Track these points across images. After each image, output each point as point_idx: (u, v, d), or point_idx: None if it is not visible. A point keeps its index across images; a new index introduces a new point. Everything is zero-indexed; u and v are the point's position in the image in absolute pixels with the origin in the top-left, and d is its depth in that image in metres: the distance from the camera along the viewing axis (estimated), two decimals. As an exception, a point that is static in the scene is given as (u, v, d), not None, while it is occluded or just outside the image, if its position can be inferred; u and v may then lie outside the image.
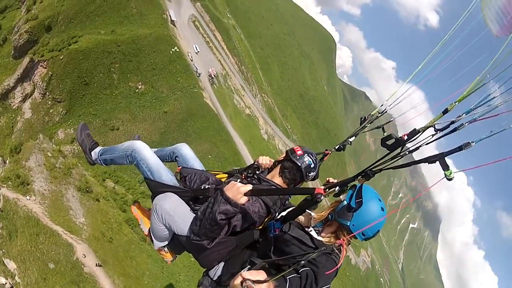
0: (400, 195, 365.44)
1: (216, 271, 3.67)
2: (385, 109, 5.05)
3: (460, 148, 2.27)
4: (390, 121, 5.50)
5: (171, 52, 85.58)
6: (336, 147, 5.22)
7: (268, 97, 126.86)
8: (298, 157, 3.79)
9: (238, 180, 3.68)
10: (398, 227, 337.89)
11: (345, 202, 3.16)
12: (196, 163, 4.61)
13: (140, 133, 67.90)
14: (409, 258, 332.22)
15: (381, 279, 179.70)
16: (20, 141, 59.22)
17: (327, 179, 4.25)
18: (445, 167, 2.28)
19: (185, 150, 4.74)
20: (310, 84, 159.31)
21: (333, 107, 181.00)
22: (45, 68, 76.72)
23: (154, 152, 4.71)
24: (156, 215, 3.82)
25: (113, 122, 77.44)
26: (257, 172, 4.22)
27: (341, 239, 3.08)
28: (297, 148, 3.93)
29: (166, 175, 4.00)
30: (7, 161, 50.98)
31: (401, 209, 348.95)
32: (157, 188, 3.97)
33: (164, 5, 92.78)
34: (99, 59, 79.09)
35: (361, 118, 5.22)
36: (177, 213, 3.71)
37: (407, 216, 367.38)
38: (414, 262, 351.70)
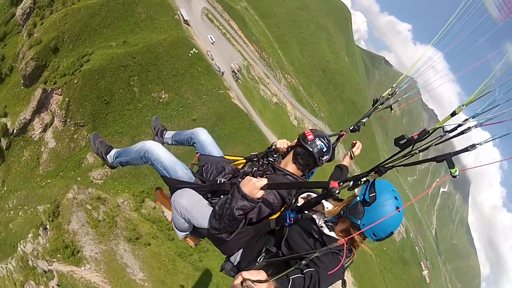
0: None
1: (236, 257, 3.71)
2: (395, 90, 5.15)
3: (466, 149, 2.38)
4: (397, 101, 5.57)
5: (190, 54, 78.76)
6: (351, 128, 5.28)
7: (291, 77, 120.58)
8: (309, 142, 3.80)
9: (254, 169, 4.10)
10: (429, 192, 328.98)
11: (358, 198, 3.04)
12: (214, 149, 4.72)
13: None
14: (441, 223, 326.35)
15: (416, 247, 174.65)
16: (56, 201, 54.44)
17: (353, 142, 5.07)
18: (451, 165, 2.39)
19: (203, 136, 4.84)
20: (330, 58, 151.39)
21: (355, 78, 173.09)
22: (60, 95, 70.60)
23: (172, 136, 5.40)
24: (175, 211, 3.85)
25: (142, 137, 69.83)
26: (275, 155, 4.28)
27: (343, 239, 2.94)
28: (308, 132, 3.90)
29: (181, 171, 4.05)
30: (48, 228, 47.25)
31: (431, 173, 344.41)
32: (174, 184, 4.02)
33: (174, 5, 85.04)
34: (115, 75, 72.75)
35: (373, 100, 5.24)
36: (194, 208, 3.74)
37: (437, 180, 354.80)
38: (447, 226, 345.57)
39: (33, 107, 69.26)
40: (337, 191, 2.78)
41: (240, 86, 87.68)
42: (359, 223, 2.99)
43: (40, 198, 62.84)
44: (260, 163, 4.29)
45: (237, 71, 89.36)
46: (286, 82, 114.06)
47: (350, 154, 5.22)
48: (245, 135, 76.41)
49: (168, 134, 5.59)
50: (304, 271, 2.78)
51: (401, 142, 2.79)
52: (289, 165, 3.93)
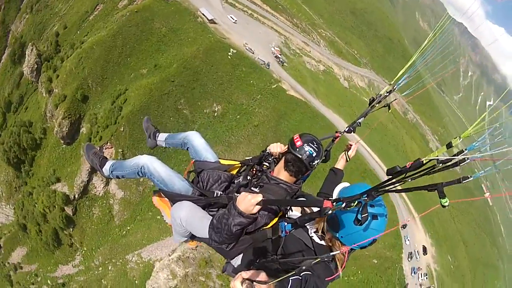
0: (470, 73, 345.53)
1: (237, 260, 3.74)
2: (393, 88, 4.86)
3: (458, 181, 2.34)
4: (395, 99, 5.00)
5: (229, 57, 68.87)
6: (346, 129, 4.95)
7: (324, 30, 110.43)
8: (298, 149, 3.74)
9: (249, 178, 4.07)
10: (477, 107, 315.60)
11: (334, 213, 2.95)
12: (208, 154, 4.61)
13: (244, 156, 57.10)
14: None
15: (475, 169, 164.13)
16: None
17: (348, 144, 4.80)
18: (442, 196, 2.38)
19: (196, 141, 4.74)
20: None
21: (383, 10, 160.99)
22: (111, 147, 64.28)
23: (166, 138, 5.16)
24: (175, 223, 3.84)
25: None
26: (269, 159, 4.21)
27: (345, 248, 3.04)
28: (296, 138, 3.81)
29: (178, 183, 4.06)
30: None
31: (474, 87, 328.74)
32: (172, 198, 4.03)
33: (191, 6, 74.01)
34: (160, 106, 64.44)
35: (369, 99, 4.85)
36: (194, 221, 3.74)
37: (482, 93, 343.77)
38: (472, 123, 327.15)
39: (87, 170, 65.04)
40: (330, 211, 2.70)
41: (287, 70, 77.69)
42: (337, 235, 3.10)
43: (126, 247, 61.83)
44: (254, 171, 4.22)
45: (280, 54, 78.71)
46: (323, 40, 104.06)
47: (346, 157, 4.77)
48: (310, 124, 68.44)
49: (161, 137, 5.27)
50: (302, 274, 2.80)
51: (394, 173, 2.59)
52: (281, 173, 3.86)
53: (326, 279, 2.93)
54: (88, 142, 5.40)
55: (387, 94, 4.94)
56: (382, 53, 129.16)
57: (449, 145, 2.62)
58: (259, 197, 3.07)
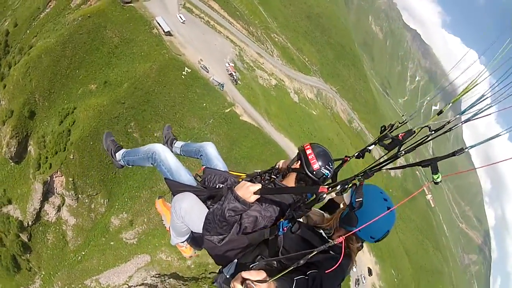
0: (417, 78, 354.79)
1: (230, 269, 3.62)
2: (405, 120, 4.30)
3: (453, 154, 2.31)
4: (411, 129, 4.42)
5: (183, 77, 66.51)
6: (356, 155, 4.37)
7: (278, 35, 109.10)
8: (315, 172, 3.66)
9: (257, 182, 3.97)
10: (422, 111, 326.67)
11: (347, 209, 3.06)
12: (219, 164, 4.71)
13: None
14: (438, 142, 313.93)
15: (417, 172, 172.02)
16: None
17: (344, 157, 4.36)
18: (435, 171, 2.34)
19: (210, 150, 4.87)
20: (312, 0, 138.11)
21: (338, 16, 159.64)
22: (61, 176, 61.62)
23: (181, 146, 5.38)
24: (174, 213, 3.80)
25: (160, 185, 61.76)
26: (277, 174, 4.20)
27: (342, 237, 2.76)
28: (312, 159, 3.69)
29: (185, 175, 4.12)
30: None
31: (421, 92, 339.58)
32: (176, 187, 4.00)
33: (147, 14, 69.89)
34: (110, 128, 59.38)
35: (381, 128, 4.27)
36: (193, 211, 3.70)
37: (428, 98, 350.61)
38: (443, 144, 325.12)
39: (39, 199, 63.06)
40: (325, 196, 2.73)
41: (241, 89, 76.40)
42: (354, 230, 2.99)
43: (83, 272, 60.71)
44: (262, 178, 4.19)
45: (234, 72, 77.35)
46: (276, 50, 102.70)
47: None
48: (261, 151, 68.38)
49: (178, 144, 5.49)
50: (308, 273, 2.70)
51: (386, 143, 2.67)
52: (290, 185, 3.78)
53: (326, 271, 2.80)
54: (108, 131, 5.53)
55: (400, 125, 4.80)
56: (332, 60, 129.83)
57: (440, 112, 2.70)
58: (258, 186, 3.16)
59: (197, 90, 67.35)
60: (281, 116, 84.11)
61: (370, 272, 78.61)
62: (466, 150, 2.34)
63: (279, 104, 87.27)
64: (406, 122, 4.66)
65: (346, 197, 3.03)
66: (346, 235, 2.83)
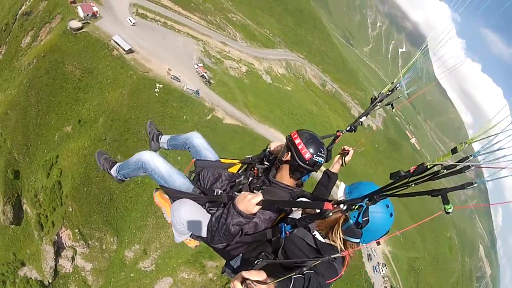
0: (378, 24, 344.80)
1: (236, 261, 3.69)
2: (395, 86, 4.91)
3: (462, 187, 2.26)
4: (398, 97, 5.20)
5: (156, 94, 64.31)
6: (347, 129, 4.95)
7: (235, 14, 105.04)
8: (307, 162, 3.60)
9: (250, 179, 3.98)
10: (389, 56, 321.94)
11: (351, 222, 3.03)
12: (209, 153, 4.61)
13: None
14: (410, 83, 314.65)
15: (396, 118, 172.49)
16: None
17: (344, 148, 4.54)
18: (446, 202, 2.32)
19: (197, 141, 4.73)
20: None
21: None
22: (66, 229, 61.54)
23: (168, 140, 5.17)
24: (175, 221, 3.77)
25: (160, 211, 62.27)
26: (270, 157, 4.21)
27: (346, 252, 2.98)
28: (302, 149, 3.60)
29: (179, 179, 4.02)
30: None
31: (384, 37, 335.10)
32: (172, 194, 3.96)
33: (103, 35, 66.43)
34: (99, 171, 57.08)
35: (371, 98, 5.00)
36: (194, 218, 3.70)
37: (393, 42, 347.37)
38: (416, 83, 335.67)
39: (53, 257, 63.11)
40: (330, 213, 2.67)
41: (215, 88, 74.59)
42: (359, 241, 3.06)
43: None
44: (256, 171, 4.13)
45: (204, 73, 74.77)
46: (238, 33, 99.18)
47: (342, 161, 4.58)
48: (251, 149, 65.51)
49: (164, 139, 5.30)
50: (305, 273, 2.73)
51: (397, 177, 2.53)
52: (285, 179, 3.78)
53: (327, 281, 2.88)
54: (99, 150, 5.46)
55: (389, 93, 5.09)
56: (293, 26, 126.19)
57: (454, 151, 2.61)
58: (259, 197, 3.12)
59: (174, 104, 65.59)
60: (260, 104, 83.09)
61: (378, 243, 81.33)
62: (476, 184, 2.27)
63: (254, 91, 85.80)
64: (396, 89, 5.05)
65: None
66: (352, 250, 3.05)
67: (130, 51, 67.15)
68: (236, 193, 3.68)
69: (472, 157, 2.29)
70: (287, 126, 79.68)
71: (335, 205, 2.72)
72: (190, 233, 3.98)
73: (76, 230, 61.18)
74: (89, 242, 62.59)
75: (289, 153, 3.70)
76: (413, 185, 2.40)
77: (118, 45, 66.52)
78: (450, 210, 2.29)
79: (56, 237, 61.48)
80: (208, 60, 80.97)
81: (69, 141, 61.90)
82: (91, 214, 61.13)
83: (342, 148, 4.64)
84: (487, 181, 2.31)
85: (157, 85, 65.27)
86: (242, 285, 2.19)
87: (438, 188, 2.34)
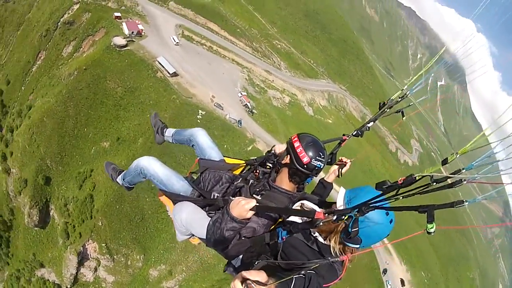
0: (419, 55, 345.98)
1: (237, 261, 3.69)
2: (405, 94, 4.66)
3: (451, 205, 2.18)
4: (410, 105, 5.06)
5: (198, 121, 61.50)
6: (354, 133, 4.77)
7: (279, 41, 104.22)
8: (305, 166, 3.48)
9: (250, 182, 3.88)
10: (428, 88, 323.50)
11: (351, 230, 2.86)
12: (213, 152, 4.48)
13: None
14: (447, 117, 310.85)
15: (432, 153, 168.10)
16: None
17: (342, 159, 4.33)
18: (431, 220, 2.25)
19: (202, 139, 4.58)
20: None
21: (333, 6, 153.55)
22: (93, 243, 60.61)
23: (173, 134, 4.99)
24: (176, 223, 3.78)
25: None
26: (274, 159, 4.08)
27: (346, 256, 2.89)
28: (301, 152, 3.46)
29: (177, 183, 3.98)
30: None
31: (424, 70, 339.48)
32: (172, 198, 3.96)
33: (148, 55, 64.69)
34: (134, 189, 55.82)
35: (379, 104, 4.78)
36: (194, 221, 3.66)
37: (432, 75, 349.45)
38: (453, 119, 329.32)
39: (75, 266, 62.55)
40: (321, 223, 2.74)
41: (258, 119, 71.89)
42: (358, 247, 3.00)
43: None
44: (257, 174, 4.08)
45: (248, 102, 72.23)
46: (283, 62, 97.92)
47: (338, 173, 4.38)
48: None
49: (169, 132, 5.11)
50: (305, 273, 2.74)
51: (384, 187, 2.59)
52: (284, 183, 3.65)
53: (326, 284, 2.79)
54: (106, 161, 5.17)
55: (399, 99, 4.76)
56: (337, 57, 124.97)
57: (444, 162, 2.37)
58: (253, 203, 3.03)
59: (215, 132, 62.53)
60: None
61: (402, 283, 77.54)
62: (467, 203, 2.16)
63: (296, 123, 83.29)
64: (406, 96, 4.72)
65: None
66: (351, 255, 2.92)
67: (175, 74, 65.44)
68: (231, 198, 3.60)
69: (464, 170, 2.17)
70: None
71: (326, 215, 2.74)
72: (191, 235, 3.92)
73: (103, 244, 60.38)
74: (115, 256, 61.50)
75: (288, 156, 3.56)
76: (401, 197, 2.31)
77: (163, 67, 65.01)
78: (432, 230, 2.21)
79: (81, 248, 60.98)
80: (251, 89, 79.15)
81: (106, 156, 60.19)
82: (120, 231, 60.10)
83: (340, 159, 4.36)
84: (480, 200, 2.18)
85: (200, 111, 63.05)
86: (242, 285, 2.18)
87: (426, 204, 2.24)
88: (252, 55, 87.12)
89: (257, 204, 3.12)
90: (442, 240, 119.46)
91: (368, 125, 4.84)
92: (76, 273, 62.78)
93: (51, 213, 64.12)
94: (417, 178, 2.20)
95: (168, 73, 64.36)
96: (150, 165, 4.03)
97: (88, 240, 60.45)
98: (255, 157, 4.34)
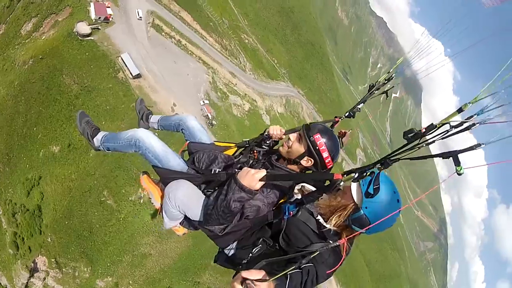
0: (379, 65, 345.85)
1: (231, 250, 3.57)
2: (391, 75, 4.89)
3: (471, 148, 2.34)
4: (393, 87, 5.23)
5: (156, 134, 59.21)
6: (346, 114, 4.74)
7: (248, 35, 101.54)
8: (328, 169, 3.45)
9: (251, 162, 3.87)
10: (381, 98, 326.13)
11: (362, 212, 2.84)
12: (203, 136, 4.42)
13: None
14: (395, 129, 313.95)
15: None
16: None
17: (341, 131, 4.40)
18: (457, 163, 2.37)
19: (191, 122, 4.49)
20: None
21: (309, 7, 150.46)
22: (43, 256, 57.98)
23: (158, 120, 4.88)
24: (169, 202, 3.59)
25: (141, 249, 59.28)
26: (267, 142, 4.07)
27: (343, 239, 2.75)
28: (329, 162, 3.40)
29: (174, 160, 3.82)
30: None
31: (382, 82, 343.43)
32: (167, 175, 3.75)
33: (111, 49, 60.46)
34: (83, 205, 56.11)
35: (369, 85, 4.94)
36: (190, 200, 3.54)
37: (388, 86, 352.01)
38: (401, 131, 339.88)
39: (26, 277, 59.95)
40: (341, 183, 2.73)
41: (217, 132, 70.29)
42: (365, 232, 2.89)
43: None
44: (256, 154, 4.00)
45: (209, 113, 70.32)
46: (249, 62, 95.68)
47: (340, 143, 4.18)
48: None
49: (154, 119, 4.98)
50: (302, 266, 2.68)
51: (409, 135, 2.67)
52: (290, 165, 3.57)
53: (330, 270, 2.79)
54: (81, 110, 4.86)
55: (386, 81, 5.01)
56: (301, 59, 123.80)
57: (459, 110, 2.56)
58: (263, 172, 2.95)
59: (172, 147, 60.04)
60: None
61: None
62: (483, 145, 2.34)
63: (253, 134, 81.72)
64: (392, 78, 4.99)
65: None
66: (352, 235, 2.79)
67: (138, 76, 61.31)
68: (236, 170, 3.53)
69: (476, 116, 2.34)
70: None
71: (345, 175, 2.69)
72: (181, 219, 3.80)
73: (52, 259, 57.84)
74: (63, 269, 59.12)
75: (313, 161, 3.41)
76: (424, 145, 2.46)
77: (126, 66, 60.59)
78: (461, 171, 2.29)
79: (32, 264, 58.77)
80: (214, 95, 76.99)
81: (55, 164, 56.66)
82: (69, 246, 57.61)
83: (339, 131, 4.38)
84: (495, 141, 2.26)
85: (159, 122, 59.73)
86: (242, 285, 2.16)
87: (449, 150, 2.36)
88: (220, 53, 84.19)
89: (267, 174, 3.00)
90: (376, 258, 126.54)
91: (359, 106, 4.90)
92: (26, 282, 60.52)
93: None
94: (437, 125, 2.42)
95: (131, 74, 60.40)
96: (148, 137, 3.85)
97: (38, 256, 58.18)
98: (247, 139, 4.31)
